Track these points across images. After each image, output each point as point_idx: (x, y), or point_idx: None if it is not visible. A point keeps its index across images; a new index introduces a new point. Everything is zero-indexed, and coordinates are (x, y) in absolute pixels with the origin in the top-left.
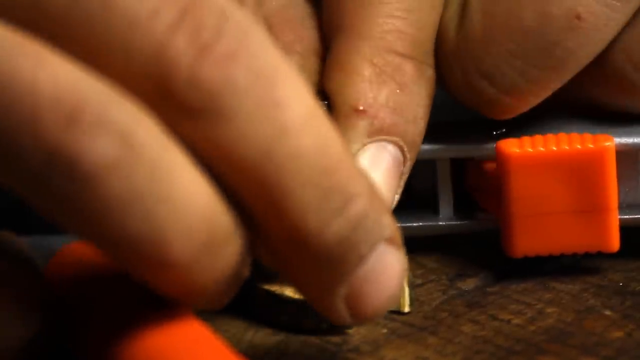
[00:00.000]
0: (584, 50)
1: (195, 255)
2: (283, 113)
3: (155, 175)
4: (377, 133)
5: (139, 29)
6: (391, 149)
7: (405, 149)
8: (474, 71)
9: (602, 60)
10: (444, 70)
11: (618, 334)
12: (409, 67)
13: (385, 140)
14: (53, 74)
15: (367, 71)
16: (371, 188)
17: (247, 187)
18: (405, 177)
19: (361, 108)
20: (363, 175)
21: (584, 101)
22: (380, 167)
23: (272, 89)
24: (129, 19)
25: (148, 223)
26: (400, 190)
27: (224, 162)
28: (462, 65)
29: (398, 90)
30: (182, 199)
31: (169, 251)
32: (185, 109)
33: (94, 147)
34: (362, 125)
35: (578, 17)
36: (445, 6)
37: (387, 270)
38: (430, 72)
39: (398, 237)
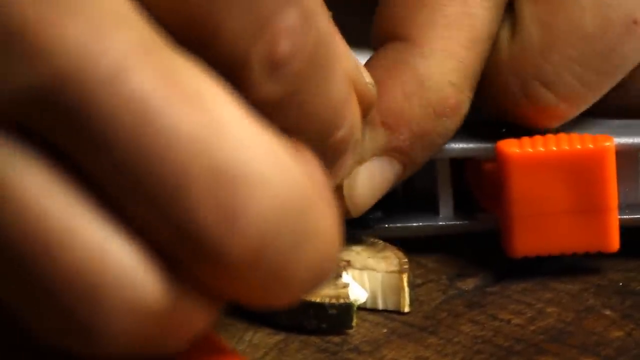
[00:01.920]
0: (637, 56)
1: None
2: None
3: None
4: (392, 150)
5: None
6: (396, 165)
7: (408, 169)
8: (533, 79)
9: None
10: (496, 82)
11: (618, 333)
12: (452, 101)
13: (394, 157)
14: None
15: (412, 89)
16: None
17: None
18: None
19: (390, 121)
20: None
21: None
22: (377, 181)
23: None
24: None
25: None
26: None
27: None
28: (520, 74)
29: (431, 120)
30: None
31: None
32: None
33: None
34: (382, 138)
35: (635, 22)
36: None
37: None
38: (464, 111)
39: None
